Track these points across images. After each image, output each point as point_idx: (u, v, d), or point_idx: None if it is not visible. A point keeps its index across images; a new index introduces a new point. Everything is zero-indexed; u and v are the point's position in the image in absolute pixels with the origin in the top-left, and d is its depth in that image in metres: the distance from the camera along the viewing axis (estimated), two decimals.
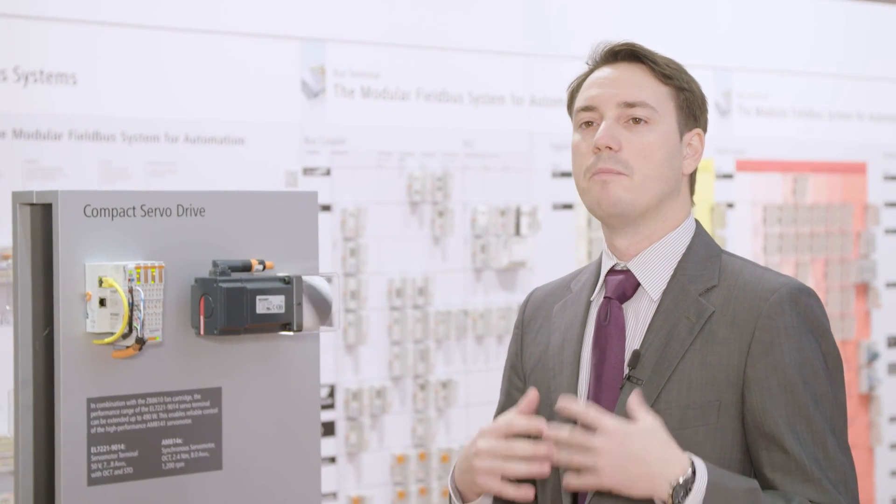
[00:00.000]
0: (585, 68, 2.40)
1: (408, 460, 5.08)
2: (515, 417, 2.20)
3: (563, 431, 2.11)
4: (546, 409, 2.35)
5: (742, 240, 6.18)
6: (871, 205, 6.64)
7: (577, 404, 2.13)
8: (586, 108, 2.32)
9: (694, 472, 2.09)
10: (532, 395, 2.23)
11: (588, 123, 2.32)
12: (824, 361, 2.22)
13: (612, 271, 2.34)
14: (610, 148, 2.26)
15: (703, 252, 2.32)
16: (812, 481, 2.15)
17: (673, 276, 2.30)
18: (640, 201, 2.28)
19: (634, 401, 2.14)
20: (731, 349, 2.21)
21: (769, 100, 6.33)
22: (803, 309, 2.22)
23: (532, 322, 2.46)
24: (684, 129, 2.33)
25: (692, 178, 2.38)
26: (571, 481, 2.13)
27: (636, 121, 2.29)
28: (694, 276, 2.29)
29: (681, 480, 2.08)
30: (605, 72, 2.34)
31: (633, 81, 2.30)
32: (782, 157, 6.35)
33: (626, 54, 2.34)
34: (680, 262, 2.31)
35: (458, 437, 5.22)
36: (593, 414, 2.10)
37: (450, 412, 5.20)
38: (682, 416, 2.20)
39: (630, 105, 2.28)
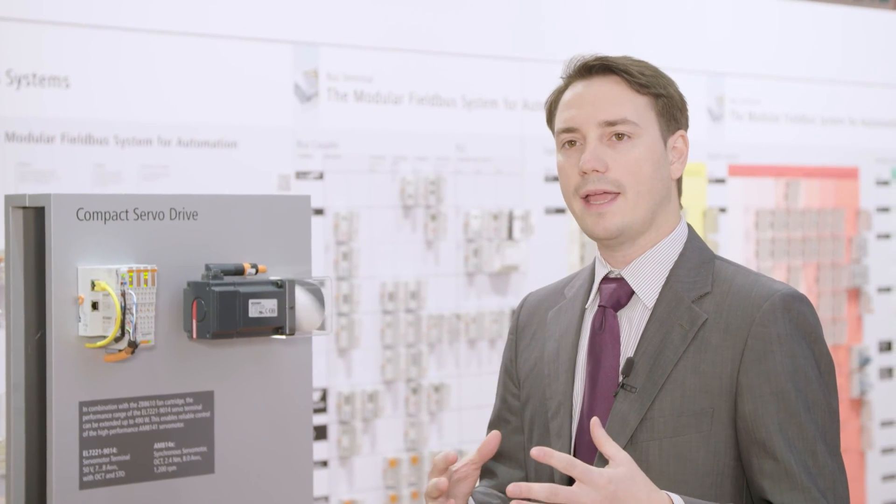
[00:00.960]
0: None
1: (400, 464, 5.08)
2: (438, 456, 2.20)
3: (542, 489, 2.03)
4: (542, 417, 2.35)
5: (734, 244, 6.19)
6: (863, 210, 6.65)
7: (558, 456, 2.05)
8: (567, 130, 2.31)
9: None
10: (493, 437, 2.20)
11: (571, 143, 2.31)
12: (817, 368, 2.22)
13: (605, 279, 2.34)
14: (596, 170, 2.26)
15: (696, 258, 2.32)
16: (800, 489, 2.15)
17: (666, 283, 2.29)
18: (637, 219, 2.28)
19: (600, 435, 2.08)
20: (724, 356, 2.21)
21: (762, 105, 6.34)
22: (796, 316, 2.22)
23: (526, 328, 2.46)
24: (667, 135, 2.32)
25: (679, 180, 2.38)
26: None
27: (619, 137, 2.28)
28: (687, 282, 2.28)
29: None
30: (580, 88, 2.32)
31: (611, 97, 2.29)
32: (775, 162, 6.36)
33: (600, 67, 2.33)
34: (673, 268, 2.30)
35: (450, 441, 5.22)
36: (579, 468, 2.04)
37: (442, 416, 5.20)
38: (675, 423, 2.20)
39: (611, 123, 2.27)
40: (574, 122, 2.29)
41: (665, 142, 2.32)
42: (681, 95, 2.35)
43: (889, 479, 6.70)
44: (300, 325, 2.53)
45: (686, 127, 2.37)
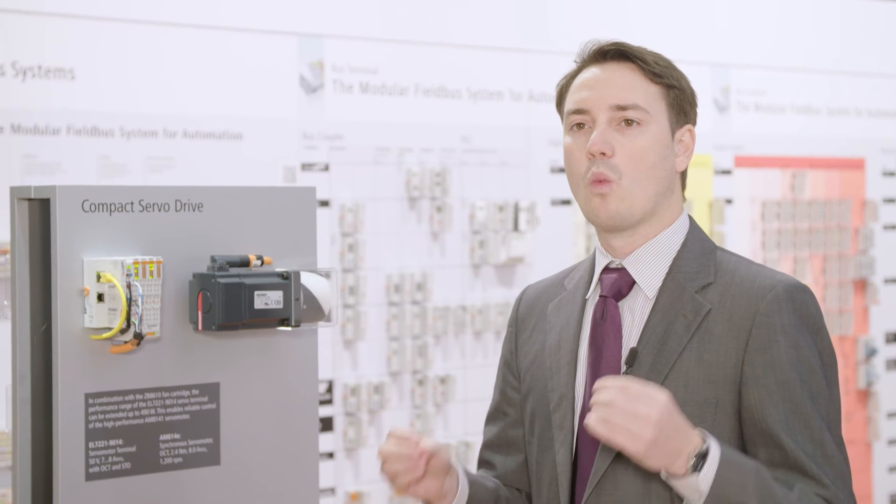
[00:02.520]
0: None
1: None
2: (395, 427, 2.25)
3: (607, 393, 2.05)
4: (543, 410, 2.35)
5: (740, 236, 6.18)
6: (870, 200, 6.64)
7: (616, 379, 2.08)
8: (577, 112, 2.31)
9: (707, 447, 2.09)
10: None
11: (580, 125, 2.31)
12: (820, 358, 2.22)
13: (606, 269, 2.34)
14: (603, 154, 2.26)
15: (697, 249, 2.32)
16: (812, 477, 2.15)
17: (668, 274, 2.29)
18: (637, 206, 2.28)
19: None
20: (728, 347, 2.21)
21: (768, 96, 6.33)
22: (800, 306, 2.22)
23: (526, 321, 2.46)
24: (675, 127, 2.33)
25: (684, 173, 2.38)
26: (598, 428, 2.05)
27: (628, 122, 2.28)
28: (690, 273, 2.29)
29: (699, 452, 2.07)
30: (594, 72, 2.32)
31: (624, 83, 2.29)
32: (781, 153, 6.35)
33: (615, 53, 2.33)
34: (675, 259, 2.30)
35: (456, 433, 5.22)
36: (637, 385, 2.05)
37: (448, 407, 5.20)
38: None
39: (622, 108, 2.27)
40: (585, 104, 2.29)
41: (673, 134, 2.32)
42: (692, 90, 2.36)
43: (895, 470, 6.70)
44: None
45: (694, 122, 2.37)
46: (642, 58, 2.31)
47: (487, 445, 2.49)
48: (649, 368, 2.23)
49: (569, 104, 2.33)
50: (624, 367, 2.26)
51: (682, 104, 2.33)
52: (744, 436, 2.21)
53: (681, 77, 2.34)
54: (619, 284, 2.31)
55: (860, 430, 6.55)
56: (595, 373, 2.28)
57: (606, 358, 2.28)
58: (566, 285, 2.43)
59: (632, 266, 2.31)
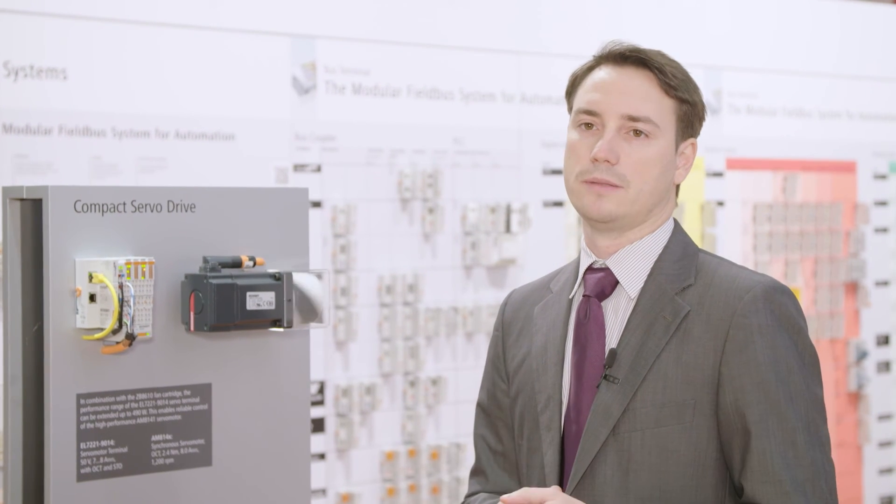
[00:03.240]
0: (575, 66, 2.39)
1: (397, 457, 5.08)
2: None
3: None
4: (532, 412, 2.35)
5: (732, 238, 6.19)
6: (861, 203, 6.65)
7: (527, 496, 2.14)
8: (588, 112, 2.31)
9: None
10: None
11: (588, 125, 2.31)
12: (800, 359, 2.22)
13: (590, 269, 2.35)
14: (608, 161, 2.26)
15: (679, 251, 2.33)
16: (773, 482, 2.16)
17: (650, 275, 2.30)
18: (632, 213, 2.29)
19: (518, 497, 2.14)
20: (706, 347, 2.22)
21: (759, 98, 6.34)
22: (777, 307, 2.23)
23: (513, 324, 2.47)
24: (680, 140, 2.33)
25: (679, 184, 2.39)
26: None
27: (636, 133, 2.28)
28: (671, 274, 2.30)
29: None
30: (611, 74, 2.32)
31: (640, 93, 2.29)
32: (772, 156, 6.36)
33: (635, 59, 2.33)
34: (657, 260, 2.32)
35: (447, 434, 5.22)
36: None
37: (439, 409, 5.20)
38: (657, 414, 2.22)
39: (633, 119, 2.28)
40: (598, 106, 2.29)
41: (677, 147, 2.33)
42: (703, 105, 2.36)
43: (886, 473, 6.71)
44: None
45: (698, 135, 2.38)
46: (661, 69, 2.30)
47: (489, 450, 2.48)
48: (628, 369, 2.24)
49: (580, 102, 2.33)
50: (604, 369, 2.27)
51: (691, 119, 2.34)
52: (721, 438, 2.22)
53: (695, 91, 2.34)
54: (603, 284, 2.32)
55: (851, 432, 6.56)
56: (579, 373, 2.30)
57: (590, 357, 2.29)
58: (552, 288, 2.44)
59: (615, 266, 2.32)
